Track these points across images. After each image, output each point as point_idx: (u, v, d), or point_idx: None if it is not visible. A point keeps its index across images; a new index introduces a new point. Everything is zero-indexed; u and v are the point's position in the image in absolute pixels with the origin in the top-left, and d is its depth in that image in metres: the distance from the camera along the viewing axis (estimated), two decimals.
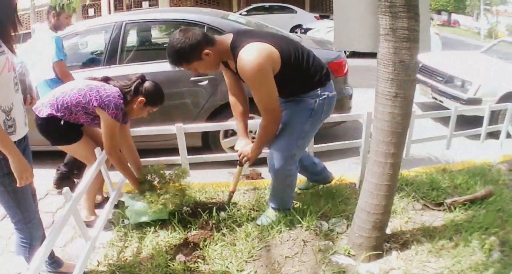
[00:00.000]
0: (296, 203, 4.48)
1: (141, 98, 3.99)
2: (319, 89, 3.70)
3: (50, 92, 4.04)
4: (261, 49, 3.33)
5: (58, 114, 3.81)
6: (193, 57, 3.42)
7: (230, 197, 4.40)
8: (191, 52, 3.38)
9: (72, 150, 4.21)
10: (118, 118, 3.82)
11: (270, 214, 4.14)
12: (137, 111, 4.11)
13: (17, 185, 2.75)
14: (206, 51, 3.40)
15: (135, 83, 3.99)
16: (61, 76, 4.82)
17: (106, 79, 4.06)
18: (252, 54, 3.29)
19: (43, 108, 3.81)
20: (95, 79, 4.03)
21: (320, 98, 3.69)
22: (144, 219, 4.17)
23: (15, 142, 2.79)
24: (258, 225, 4.06)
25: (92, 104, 3.76)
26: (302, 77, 3.65)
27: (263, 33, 3.78)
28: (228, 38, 3.51)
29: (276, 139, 3.78)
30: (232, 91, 4.00)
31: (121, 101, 3.86)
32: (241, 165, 4.12)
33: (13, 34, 2.73)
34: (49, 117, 3.80)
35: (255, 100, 3.52)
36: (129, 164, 4.31)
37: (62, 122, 3.85)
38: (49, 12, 4.93)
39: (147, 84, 4.04)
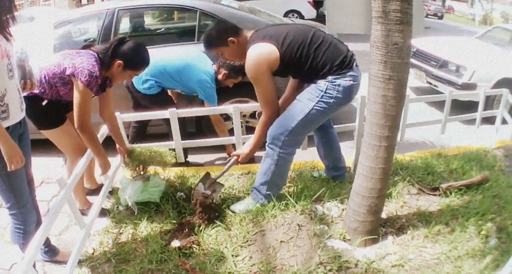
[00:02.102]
0: (291, 187, 4.50)
1: (118, 61, 3.78)
2: (329, 77, 3.75)
3: None
4: (261, 53, 3.70)
5: (38, 91, 3.73)
6: (220, 43, 3.88)
7: (212, 182, 4.33)
8: (218, 37, 3.87)
9: (54, 137, 4.06)
10: (91, 86, 3.64)
11: (248, 201, 4.18)
12: (118, 75, 3.91)
13: (8, 170, 2.76)
14: (232, 38, 3.84)
15: (112, 46, 3.80)
16: None
17: (85, 47, 3.91)
18: (252, 58, 3.71)
19: None
20: (74, 49, 3.88)
21: (331, 83, 3.73)
22: (133, 200, 4.17)
23: (9, 127, 2.82)
24: (233, 212, 4.10)
25: (66, 73, 3.63)
26: (306, 68, 3.80)
27: (273, 31, 3.83)
28: (250, 34, 3.92)
29: (282, 114, 3.96)
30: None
31: (97, 68, 3.68)
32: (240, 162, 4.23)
33: (10, 22, 2.75)
34: (30, 96, 3.68)
35: (257, 96, 3.91)
36: (112, 135, 4.31)
37: (44, 103, 3.78)
38: None
39: (125, 45, 3.82)
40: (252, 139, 4.10)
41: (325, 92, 3.74)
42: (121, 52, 3.78)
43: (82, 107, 3.67)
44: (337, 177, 4.71)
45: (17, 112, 2.92)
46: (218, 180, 4.35)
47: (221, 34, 3.86)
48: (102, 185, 4.40)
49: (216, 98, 5.10)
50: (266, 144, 3.97)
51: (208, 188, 4.19)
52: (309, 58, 3.74)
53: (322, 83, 3.76)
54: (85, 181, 4.50)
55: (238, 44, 3.87)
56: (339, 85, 3.73)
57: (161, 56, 5.16)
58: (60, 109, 3.95)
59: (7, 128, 2.80)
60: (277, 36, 3.75)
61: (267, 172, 3.98)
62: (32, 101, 3.70)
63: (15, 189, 2.99)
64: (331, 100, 3.76)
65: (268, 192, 4.05)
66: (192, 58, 5.20)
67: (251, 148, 4.10)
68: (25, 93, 3.65)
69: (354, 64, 3.85)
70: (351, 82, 3.78)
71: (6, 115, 2.79)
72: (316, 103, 3.76)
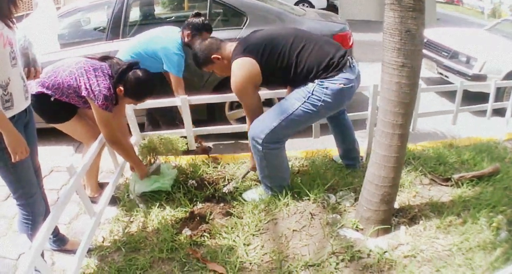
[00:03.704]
0: (304, 175, 4.47)
1: (120, 87, 3.72)
2: (316, 80, 3.65)
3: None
4: (242, 70, 3.70)
5: (49, 92, 3.71)
6: (206, 62, 3.95)
7: (247, 172, 4.45)
8: (203, 57, 3.93)
9: (68, 129, 4.06)
10: (109, 109, 3.65)
11: (260, 191, 4.17)
12: (120, 99, 3.85)
13: (12, 160, 2.74)
14: (215, 56, 3.89)
15: (120, 70, 3.73)
16: None
17: (104, 59, 3.88)
18: (235, 75, 3.73)
19: (34, 84, 3.71)
20: (93, 58, 3.87)
21: (319, 85, 3.63)
22: (144, 189, 4.18)
23: (14, 116, 2.80)
24: (245, 200, 4.10)
25: (82, 92, 3.63)
26: (291, 76, 3.74)
27: (252, 43, 3.77)
28: (232, 46, 3.91)
29: (267, 111, 3.92)
30: None
31: (112, 91, 3.66)
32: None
33: (12, 9, 2.74)
34: (38, 94, 3.69)
35: (243, 107, 4.02)
36: None
37: (52, 99, 3.73)
38: None
39: (131, 73, 3.74)
40: None
41: (312, 94, 3.63)
42: (125, 80, 3.73)
43: (105, 127, 3.74)
44: (349, 166, 4.69)
45: (21, 100, 2.89)
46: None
47: (205, 54, 3.91)
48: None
49: (182, 68, 5.00)
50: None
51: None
52: (291, 65, 3.68)
53: (310, 85, 3.66)
54: (87, 188, 4.43)
55: (223, 59, 3.90)
56: (327, 88, 3.61)
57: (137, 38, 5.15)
58: (71, 105, 3.89)
59: (12, 117, 2.78)
60: (256, 49, 3.70)
61: (261, 167, 3.97)
62: (40, 98, 3.70)
63: (22, 179, 2.97)
64: (319, 103, 3.64)
65: (273, 184, 4.05)
66: (159, 30, 5.14)
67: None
68: (34, 91, 3.66)
69: (347, 65, 3.70)
70: (341, 85, 3.62)
71: (10, 104, 2.77)
72: (302, 104, 3.67)
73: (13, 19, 2.80)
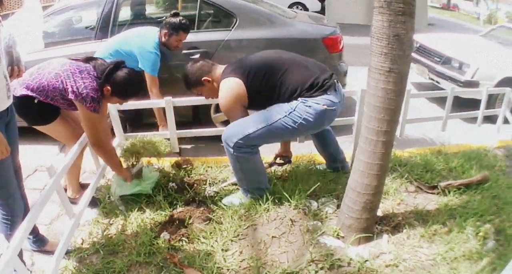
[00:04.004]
0: (286, 180, 4.43)
1: (107, 87, 3.71)
2: (300, 98, 3.67)
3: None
4: (230, 88, 3.76)
5: (33, 94, 3.65)
6: (197, 83, 4.03)
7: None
8: (194, 79, 4.01)
9: (50, 131, 4.01)
10: (97, 111, 3.62)
11: (240, 195, 4.13)
12: (106, 99, 3.83)
13: None
14: (205, 78, 3.97)
15: (107, 69, 3.71)
16: None
17: (87, 60, 3.84)
18: (223, 93, 3.80)
19: (18, 86, 3.65)
20: (77, 60, 3.85)
21: (302, 103, 3.64)
22: (125, 192, 4.14)
23: None
24: (225, 205, 4.05)
25: (68, 95, 3.60)
26: (274, 97, 3.78)
27: (240, 65, 3.86)
28: (221, 69, 3.99)
29: (246, 116, 3.91)
30: None
31: (98, 92, 3.65)
32: None
33: None
34: (22, 96, 3.63)
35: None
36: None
37: (36, 101, 3.68)
38: None
39: (118, 72, 3.74)
40: None
41: (294, 110, 3.63)
42: (113, 79, 3.72)
43: (91, 128, 3.72)
44: (339, 168, 4.66)
45: (3, 100, 2.84)
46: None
47: (196, 76, 3.99)
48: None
49: (157, 67, 5.02)
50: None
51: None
52: (275, 87, 3.73)
53: (293, 102, 3.67)
54: (68, 189, 4.39)
55: (213, 81, 3.98)
56: (310, 106, 3.61)
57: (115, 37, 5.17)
58: (54, 106, 3.84)
59: None
60: (243, 70, 3.78)
61: (236, 169, 3.97)
62: (24, 101, 3.65)
63: (0, 179, 2.91)
64: (299, 121, 3.63)
65: (251, 187, 4.02)
66: (137, 30, 5.17)
67: None
68: (18, 94, 3.60)
69: (332, 88, 3.74)
70: (324, 106, 3.64)
71: None
72: (282, 118, 3.65)
73: None
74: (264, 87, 3.72)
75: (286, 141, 4.54)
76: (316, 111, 3.61)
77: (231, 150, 3.76)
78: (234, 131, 3.74)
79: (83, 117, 3.64)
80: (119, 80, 3.71)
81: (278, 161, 4.63)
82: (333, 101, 3.68)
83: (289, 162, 4.67)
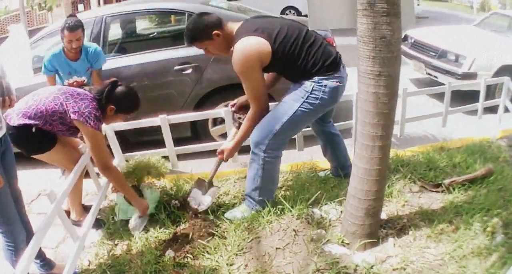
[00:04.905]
0: (287, 190, 4.43)
1: (111, 106, 3.81)
2: (316, 77, 3.67)
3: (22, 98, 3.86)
4: (251, 45, 3.56)
5: (31, 122, 3.65)
6: (204, 36, 3.72)
7: (207, 186, 4.32)
8: (203, 31, 3.71)
9: (49, 158, 4.02)
10: (100, 129, 3.70)
11: (242, 209, 4.10)
12: (110, 118, 3.96)
13: None
14: (216, 32, 3.69)
15: (105, 90, 3.80)
16: None
17: (80, 85, 3.91)
18: (242, 51, 3.55)
19: (14, 116, 3.65)
20: (71, 85, 3.90)
21: (318, 84, 3.66)
22: (130, 215, 4.14)
23: None
24: (228, 219, 4.02)
25: (70, 116, 3.62)
26: (296, 65, 3.70)
27: (265, 24, 3.72)
28: (236, 26, 3.78)
29: (265, 116, 3.87)
30: None
31: (99, 111, 3.74)
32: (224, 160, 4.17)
33: None
34: (20, 126, 3.64)
35: (245, 90, 3.77)
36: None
37: (34, 129, 3.69)
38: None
39: (118, 90, 3.85)
40: (237, 134, 4.00)
41: (310, 93, 3.66)
42: (114, 97, 3.81)
43: (98, 150, 3.73)
44: (345, 175, 4.57)
45: None
46: (213, 183, 4.35)
47: (205, 28, 3.70)
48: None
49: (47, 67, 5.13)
50: (250, 156, 3.91)
51: (207, 192, 4.21)
52: (300, 56, 3.64)
53: (307, 84, 3.67)
54: (72, 212, 4.41)
55: (223, 37, 3.74)
56: (325, 86, 3.65)
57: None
58: (51, 133, 3.85)
59: None
60: (270, 30, 3.62)
61: (255, 178, 3.90)
62: (21, 130, 3.66)
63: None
64: (316, 102, 3.68)
65: (261, 198, 3.97)
66: None
67: (235, 143, 4.01)
68: (16, 123, 3.61)
69: (341, 65, 3.81)
70: (338, 83, 3.71)
71: None
72: (301, 104, 3.69)
73: None
74: (289, 54, 3.63)
75: None
76: (330, 89, 3.68)
77: (262, 155, 3.77)
78: (261, 135, 3.76)
79: (88, 138, 3.66)
80: (121, 97, 3.83)
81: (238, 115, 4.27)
82: (343, 77, 3.79)
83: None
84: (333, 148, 4.52)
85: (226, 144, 4.13)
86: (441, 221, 3.71)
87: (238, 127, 4.10)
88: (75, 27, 4.91)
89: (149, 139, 5.57)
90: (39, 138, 3.76)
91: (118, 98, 3.82)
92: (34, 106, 3.65)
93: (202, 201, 4.17)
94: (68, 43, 4.99)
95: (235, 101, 4.29)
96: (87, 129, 3.61)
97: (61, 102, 3.64)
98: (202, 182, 4.30)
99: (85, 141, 3.71)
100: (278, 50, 3.60)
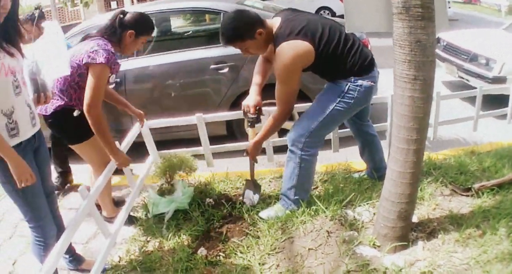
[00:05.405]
0: (321, 191, 4.45)
1: (129, 31, 3.74)
2: (352, 78, 3.71)
3: None
4: (298, 52, 3.50)
5: (63, 103, 3.71)
6: (247, 35, 3.60)
7: (254, 185, 4.40)
8: (246, 30, 3.58)
9: (83, 151, 4.02)
10: (110, 63, 3.52)
11: (277, 208, 4.12)
12: (131, 45, 3.85)
13: (18, 186, 2.76)
14: (260, 30, 3.60)
15: (117, 20, 3.75)
16: None
17: (86, 38, 3.84)
18: (288, 56, 3.48)
19: (49, 104, 3.66)
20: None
21: (353, 83, 3.70)
22: (161, 210, 4.17)
23: (21, 143, 2.83)
24: (262, 218, 4.05)
25: (83, 63, 3.54)
26: (336, 66, 3.73)
27: (307, 25, 3.62)
28: (275, 23, 3.70)
29: (301, 115, 3.95)
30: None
31: (109, 45, 3.63)
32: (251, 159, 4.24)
33: (16, 37, 2.82)
34: (59, 110, 3.71)
35: (276, 90, 3.71)
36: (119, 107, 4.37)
37: (75, 113, 3.74)
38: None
39: (129, 16, 3.78)
40: (258, 136, 4.01)
41: (346, 93, 3.70)
42: (129, 22, 3.77)
43: (95, 89, 3.52)
44: (379, 177, 4.56)
45: (28, 128, 2.91)
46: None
47: (248, 26, 3.58)
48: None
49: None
50: (288, 147, 3.92)
51: (255, 191, 4.33)
52: (341, 58, 3.68)
53: (343, 83, 3.71)
54: (103, 209, 4.43)
55: (264, 36, 3.65)
56: (360, 85, 3.69)
57: None
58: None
59: (19, 144, 2.82)
60: (313, 32, 3.57)
61: (292, 176, 3.92)
62: (64, 114, 3.74)
63: (30, 203, 2.99)
64: (351, 101, 3.73)
65: (296, 197, 3.99)
66: None
67: (257, 139, 4.02)
68: (49, 112, 3.67)
69: (375, 66, 3.87)
70: (371, 83, 3.76)
71: (16, 132, 2.80)
72: (337, 103, 3.73)
73: (19, 46, 2.85)
74: (331, 55, 3.63)
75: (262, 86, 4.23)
76: (365, 89, 3.73)
77: (299, 153, 3.80)
78: (298, 133, 3.80)
79: (90, 76, 3.53)
80: (136, 19, 3.80)
81: (251, 114, 4.14)
82: (376, 77, 3.83)
83: (259, 120, 4.24)
84: (370, 148, 4.54)
85: (249, 144, 4.14)
86: (469, 226, 3.70)
87: (252, 126, 4.16)
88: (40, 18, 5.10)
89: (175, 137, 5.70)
90: (80, 123, 3.70)
91: (134, 21, 3.77)
92: (55, 87, 3.69)
93: (254, 200, 4.29)
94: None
95: (246, 103, 4.14)
96: (95, 66, 3.50)
97: (73, 59, 3.60)
98: (250, 182, 4.38)
99: (87, 81, 3.54)
100: (321, 53, 3.60)
